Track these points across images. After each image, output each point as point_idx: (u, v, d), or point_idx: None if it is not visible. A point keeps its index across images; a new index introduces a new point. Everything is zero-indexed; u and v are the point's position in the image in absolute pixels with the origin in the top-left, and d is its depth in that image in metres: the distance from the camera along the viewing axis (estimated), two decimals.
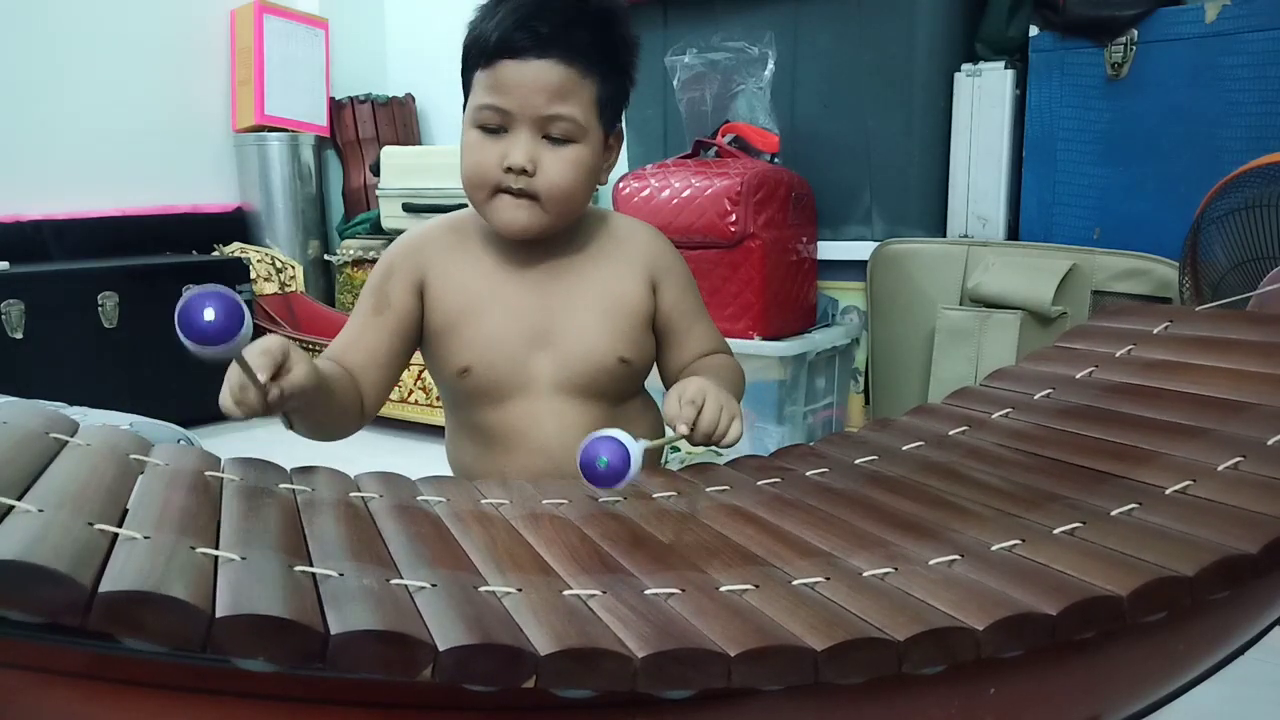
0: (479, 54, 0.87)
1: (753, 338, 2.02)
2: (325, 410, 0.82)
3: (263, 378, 0.68)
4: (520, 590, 0.56)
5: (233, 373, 0.69)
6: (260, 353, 0.69)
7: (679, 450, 2.13)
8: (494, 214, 0.90)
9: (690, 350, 1.00)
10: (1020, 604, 0.56)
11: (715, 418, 0.81)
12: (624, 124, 0.96)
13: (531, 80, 0.85)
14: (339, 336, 0.94)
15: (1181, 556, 0.61)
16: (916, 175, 2.15)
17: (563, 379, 0.92)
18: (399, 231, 3.08)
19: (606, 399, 0.95)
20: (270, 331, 2.94)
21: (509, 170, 0.87)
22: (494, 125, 0.87)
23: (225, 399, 0.70)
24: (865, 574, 0.62)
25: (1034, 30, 2.02)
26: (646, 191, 2.09)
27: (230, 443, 2.53)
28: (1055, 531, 0.66)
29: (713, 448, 0.84)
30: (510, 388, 0.92)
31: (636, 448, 0.69)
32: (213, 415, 2.90)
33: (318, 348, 2.75)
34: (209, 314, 0.57)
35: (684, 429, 0.79)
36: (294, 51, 3.37)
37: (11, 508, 0.51)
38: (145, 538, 0.52)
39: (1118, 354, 0.96)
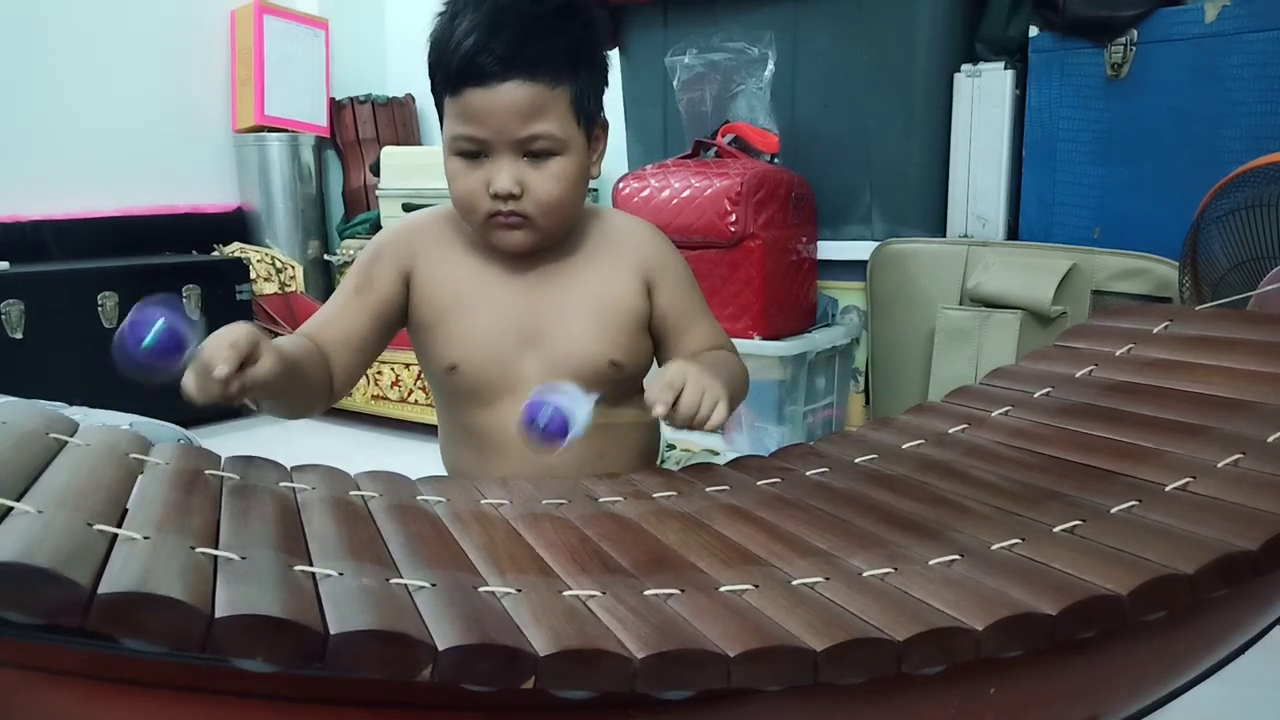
0: (443, 81, 0.85)
1: (753, 338, 2.02)
2: (292, 394, 0.81)
3: (226, 370, 0.66)
4: (519, 590, 0.56)
5: (197, 360, 0.68)
6: (228, 345, 0.68)
7: (674, 448, 2.13)
8: (489, 235, 0.90)
9: (690, 349, 0.98)
10: (1020, 604, 0.56)
11: (695, 400, 0.79)
12: (605, 113, 0.94)
13: (500, 106, 0.82)
14: (318, 312, 0.93)
15: (1181, 554, 0.61)
16: (916, 175, 2.15)
17: (552, 381, 0.91)
18: None
19: (600, 403, 0.94)
20: (271, 331, 2.94)
21: (495, 196, 0.86)
22: (472, 152, 0.86)
23: (188, 382, 0.68)
24: (865, 574, 0.62)
25: (1034, 30, 2.02)
26: (646, 191, 2.09)
27: (230, 442, 2.54)
28: (1055, 530, 0.66)
29: (696, 434, 0.82)
30: (499, 388, 0.91)
31: (585, 404, 0.68)
32: (213, 415, 2.87)
33: None
34: (148, 339, 0.58)
35: (661, 410, 0.78)
36: (294, 52, 3.37)
37: (11, 509, 0.51)
38: (145, 538, 0.52)
39: (1117, 353, 0.96)
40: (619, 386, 0.95)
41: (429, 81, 0.89)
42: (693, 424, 0.80)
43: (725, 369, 0.92)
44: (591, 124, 0.90)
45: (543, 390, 0.69)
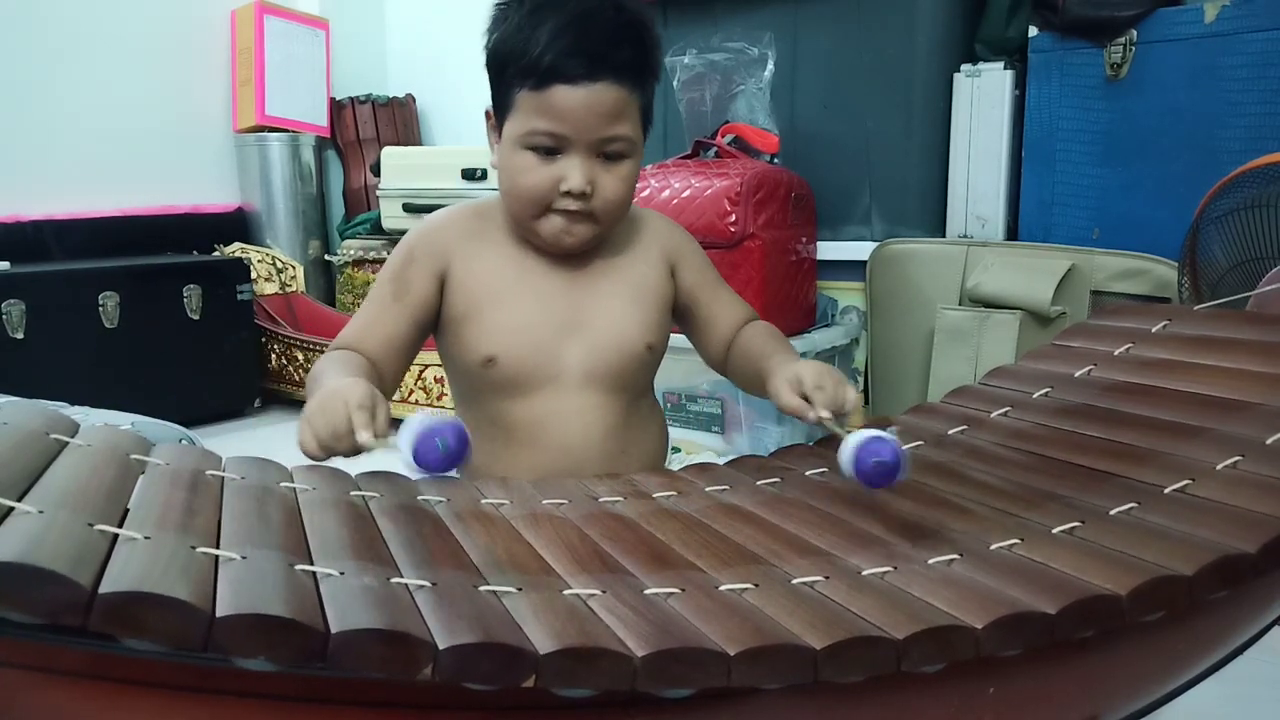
0: (524, 74, 0.85)
1: None
2: None
3: (369, 438, 0.70)
4: (520, 590, 0.56)
5: (318, 421, 0.71)
6: (358, 408, 0.70)
7: (679, 450, 2.13)
8: (544, 229, 0.90)
9: (725, 323, 1.01)
10: (1019, 603, 0.57)
11: (835, 391, 0.82)
12: None
13: (587, 105, 0.84)
14: (355, 320, 0.93)
15: (1180, 556, 0.61)
16: (916, 175, 2.16)
17: (592, 369, 0.93)
18: (400, 231, 3.08)
19: (628, 393, 0.96)
20: (271, 332, 2.94)
21: (567, 194, 0.87)
22: (549, 148, 0.87)
23: (309, 444, 0.71)
24: (864, 573, 0.62)
25: (1033, 31, 2.02)
26: (646, 192, 2.09)
27: (231, 442, 2.54)
28: (1054, 531, 0.66)
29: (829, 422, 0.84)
30: (538, 379, 0.92)
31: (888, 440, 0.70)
32: (213, 414, 2.88)
33: (318, 347, 2.74)
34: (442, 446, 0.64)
35: (825, 414, 0.80)
36: (294, 52, 3.38)
37: (12, 509, 0.51)
38: (146, 538, 0.52)
39: (1116, 353, 0.96)
40: (648, 372, 0.98)
41: (494, 73, 0.89)
42: (840, 412, 0.83)
43: (788, 345, 0.96)
44: (648, 131, 0.93)
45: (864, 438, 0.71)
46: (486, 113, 0.93)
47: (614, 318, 0.94)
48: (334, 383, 0.75)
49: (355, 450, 0.71)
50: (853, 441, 0.71)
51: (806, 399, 0.81)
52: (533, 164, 0.87)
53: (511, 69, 0.86)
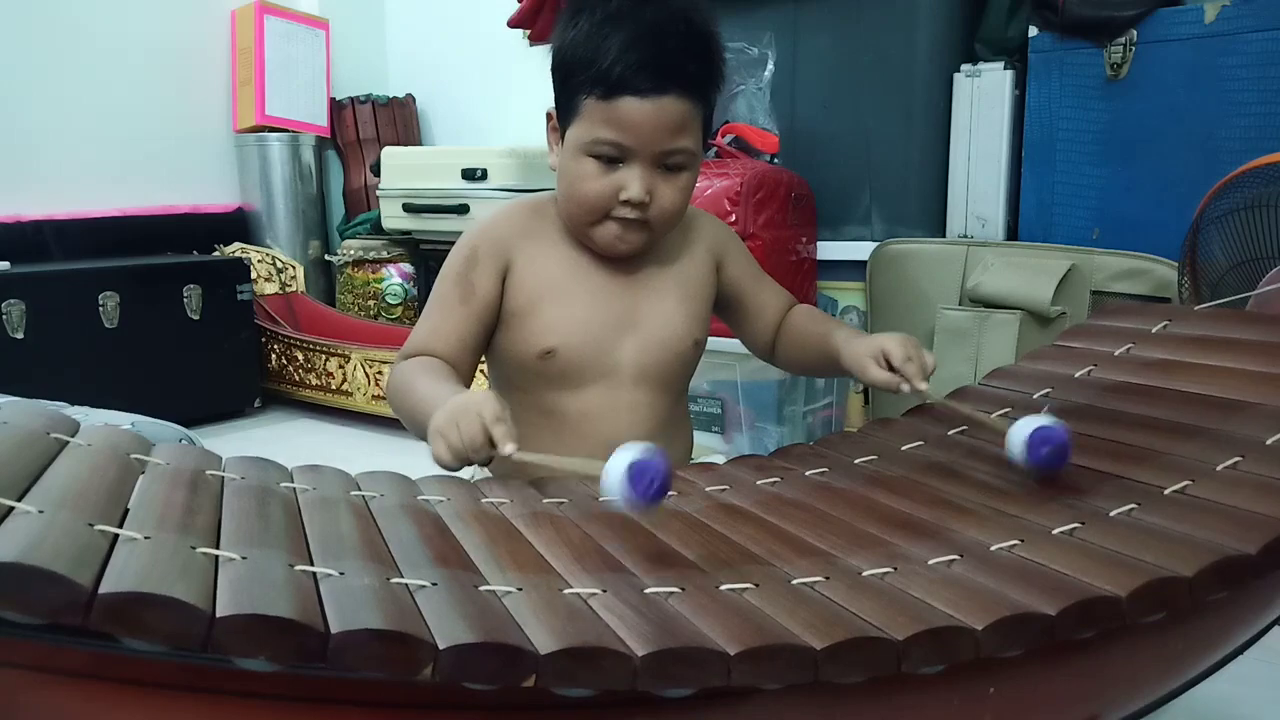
0: (592, 83, 0.85)
1: None
2: None
3: (513, 447, 0.71)
4: (520, 589, 0.56)
5: (453, 435, 0.72)
6: (494, 420, 0.72)
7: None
8: (600, 235, 0.92)
9: (771, 310, 1.04)
10: (1019, 604, 0.57)
11: (924, 359, 0.87)
12: None
13: (654, 119, 0.85)
14: (422, 324, 0.94)
15: (1180, 557, 0.61)
16: (916, 175, 2.15)
17: (643, 366, 0.95)
18: (400, 232, 3.08)
19: (672, 392, 0.98)
20: (271, 332, 2.94)
21: (625, 203, 0.88)
22: (612, 157, 0.88)
23: (444, 456, 0.73)
24: (865, 573, 0.62)
25: (1033, 31, 2.02)
26: None
27: (231, 442, 2.53)
28: (1054, 531, 0.66)
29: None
30: (593, 373, 0.94)
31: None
32: (213, 414, 2.87)
33: (318, 347, 2.74)
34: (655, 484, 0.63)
35: (923, 385, 0.86)
36: (294, 52, 3.37)
37: (12, 509, 0.51)
38: (146, 538, 0.52)
39: (1116, 353, 0.96)
40: (691, 368, 1.00)
41: (559, 77, 0.90)
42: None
43: (838, 320, 1.01)
44: (707, 140, 0.94)
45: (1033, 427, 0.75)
46: (548, 114, 0.94)
47: (666, 317, 0.96)
48: (460, 396, 0.76)
49: (489, 460, 0.73)
50: (1022, 431, 0.74)
51: (894, 371, 0.86)
52: (594, 171, 0.88)
53: (579, 76, 0.86)
